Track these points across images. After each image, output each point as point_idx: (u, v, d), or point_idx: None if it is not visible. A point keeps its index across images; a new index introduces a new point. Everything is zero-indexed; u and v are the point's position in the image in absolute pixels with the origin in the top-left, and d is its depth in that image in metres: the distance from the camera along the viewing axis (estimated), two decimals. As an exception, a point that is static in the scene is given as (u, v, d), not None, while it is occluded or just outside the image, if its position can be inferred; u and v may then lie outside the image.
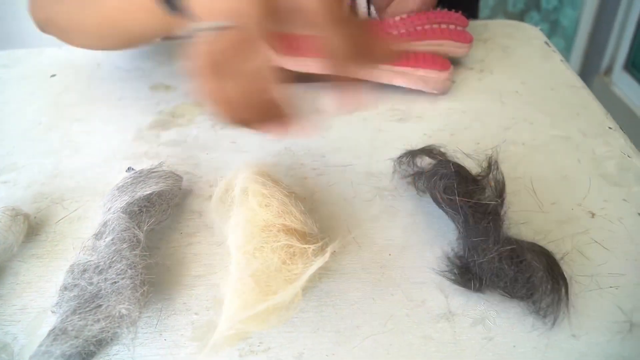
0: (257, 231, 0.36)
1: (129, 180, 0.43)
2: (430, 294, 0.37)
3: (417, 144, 0.47)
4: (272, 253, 0.34)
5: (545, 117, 0.52)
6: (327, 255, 0.32)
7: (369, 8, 0.72)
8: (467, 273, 0.36)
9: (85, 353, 0.33)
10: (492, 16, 1.79)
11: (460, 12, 0.60)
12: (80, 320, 0.34)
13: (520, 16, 1.80)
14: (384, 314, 0.35)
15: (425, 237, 0.41)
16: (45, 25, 0.56)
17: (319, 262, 0.32)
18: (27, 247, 0.42)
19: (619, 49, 1.70)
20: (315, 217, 0.40)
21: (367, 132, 0.52)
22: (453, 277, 0.36)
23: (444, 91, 0.56)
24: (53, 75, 0.65)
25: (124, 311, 0.33)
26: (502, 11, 1.78)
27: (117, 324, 0.33)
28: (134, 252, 0.36)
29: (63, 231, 0.43)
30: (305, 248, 0.35)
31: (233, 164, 0.49)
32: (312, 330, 0.35)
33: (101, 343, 0.34)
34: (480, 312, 0.35)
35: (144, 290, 0.34)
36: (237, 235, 0.37)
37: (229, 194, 0.42)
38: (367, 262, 0.39)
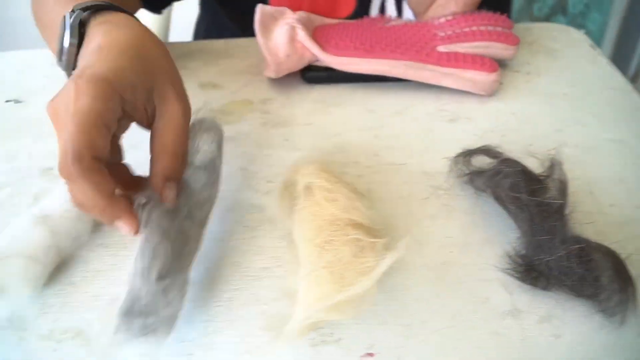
0: (325, 225, 0.37)
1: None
2: (494, 291, 0.37)
3: (469, 144, 0.47)
4: (342, 246, 0.35)
5: (596, 120, 0.53)
6: (403, 248, 0.33)
7: (399, 12, 0.73)
8: (532, 271, 0.37)
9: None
10: (517, 20, 1.79)
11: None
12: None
13: (546, 20, 1.79)
14: (450, 309, 0.36)
15: (485, 235, 0.41)
16: None
17: (394, 255, 0.33)
18: (94, 237, 0.43)
19: (646, 55, 1.69)
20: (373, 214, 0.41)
21: (418, 131, 0.53)
22: (517, 275, 0.37)
23: (491, 93, 0.56)
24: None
25: None
26: (527, 15, 1.77)
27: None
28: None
29: (127, 223, 0.44)
30: (374, 242, 0.35)
31: (287, 161, 0.50)
32: (380, 323, 0.35)
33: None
34: (546, 310, 0.36)
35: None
36: (305, 229, 0.38)
37: (290, 190, 0.43)
38: (429, 259, 0.40)
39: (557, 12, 1.78)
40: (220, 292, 0.38)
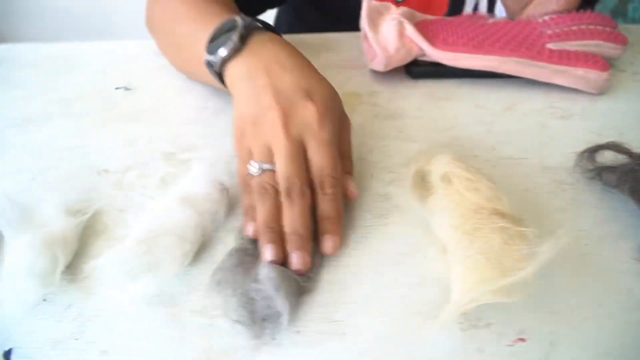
0: (469, 213, 0.38)
1: None
2: (636, 283, 0.38)
3: (587, 141, 0.48)
4: (491, 234, 0.36)
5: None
6: (565, 238, 0.34)
7: (490, 11, 0.73)
8: None
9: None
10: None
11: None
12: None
13: None
14: (594, 299, 0.37)
15: (617, 229, 0.42)
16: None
17: (558, 243, 0.33)
18: (228, 219, 0.45)
19: None
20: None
21: (531, 127, 0.53)
22: None
23: (603, 91, 0.57)
24: (206, 63, 0.68)
25: None
26: (621, 16, 1.74)
27: None
28: None
29: (257, 207, 0.46)
30: (524, 231, 0.36)
31: (404, 151, 0.51)
32: (528, 310, 0.36)
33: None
34: (693, 303, 0.36)
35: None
36: (449, 217, 0.39)
37: (423, 179, 0.44)
38: (565, 249, 0.40)
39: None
40: (363, 276, 0.39)
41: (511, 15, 0.69)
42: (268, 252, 0.39)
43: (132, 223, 0.44)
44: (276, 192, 0.41)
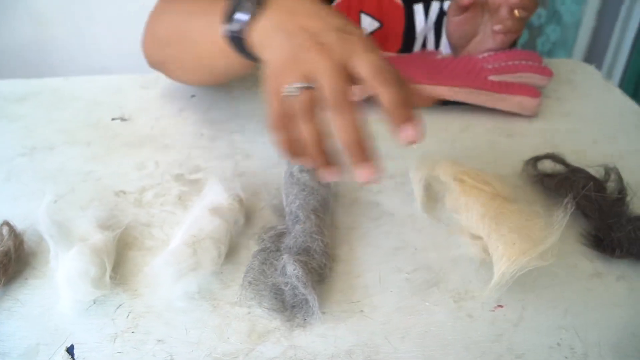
0: (489, 202, 0.48)
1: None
2: (580, 260, 0.49)
3: (528, 155, 0.60)
4: (513, 214, 0.46)
5: (623, 135, 0.66)
6: (571, 209, 0.44)
7: (436, 46, 0.86)
8: (608, 245, 0.48)
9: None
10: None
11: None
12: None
13: (549, 54, 1.98)
14: (551, 272, 0.47)
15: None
16: (156, 64, 0.71)
17: (566, 213, 0.44)
18: (246, 226, 0.52)
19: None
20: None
21: (484, 144, 0.64)
22: (598, 249, 0.49)
23: (536, 114, 0.69)
24: (193, 96, 0.75)
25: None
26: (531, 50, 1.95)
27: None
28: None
29: (266, 216, 0.54)
30: (536, 209, 0.46)
31: (386, 167, 0.60)
32: (522, 290, 0.45)
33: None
34: (621, 272, 0.47)
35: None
36: (473, 208, 0.48)
37: (432, 184, 0.54)
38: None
39: (559, 47, 1.97)
40: (369, 265, 0.48)
41: (454, 51, 0.81)
42: (327, 175, 0.42)
43: (159, 235, 0.51)
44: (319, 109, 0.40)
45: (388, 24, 0.82)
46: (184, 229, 0.47)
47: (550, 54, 1.98)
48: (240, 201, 0.52)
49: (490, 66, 0.72)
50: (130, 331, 0.42)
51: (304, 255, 0.46)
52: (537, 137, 0.66)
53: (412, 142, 0.41)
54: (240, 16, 0.48)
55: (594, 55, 1.93)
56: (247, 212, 0.54)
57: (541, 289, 0.46)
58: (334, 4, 0.82)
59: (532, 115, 0.70)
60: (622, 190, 0.52)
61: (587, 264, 0.48)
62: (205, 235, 0.46)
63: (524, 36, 1.91)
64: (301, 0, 0.46)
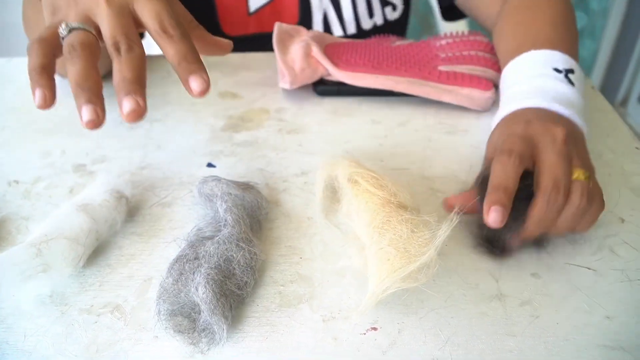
0: (379, 209, 0.42)
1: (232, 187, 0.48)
2: (483, 278, 0.42)
3: (465, 153, 0.53)
4: (399, 225, 0.40)
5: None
6: (455, 219, 0.38)
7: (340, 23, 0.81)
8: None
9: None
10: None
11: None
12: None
13: None
14: (444, 292, 0.41)
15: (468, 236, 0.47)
16: None
17: (449, 226, 0.38)
18: (126, 226, 0.48)
19: (635, 81, 1.77)
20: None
21: (419, 141, 0.58)
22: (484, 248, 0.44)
23: (487, 108, 0.62)
24: (129, 80, 0.72)
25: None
26: None
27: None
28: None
29: (156, 214, 0.49)
30: (426, 219, 0.40)
31: (301, 163, 0.55)
32: (382, 302, 0.40)
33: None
34: (527, 295, 0.41)
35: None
36: (362, 215, 0.43)
37: (331, 183, 0.49)
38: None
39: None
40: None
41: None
42: (84, 114, 0.37)
43: (33, 230, 0.47)
44: (90, 52, 0.39)
45: None
46: (41, 226, 0.44)
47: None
48: (121, 198, 0.48)
49: (443, 55, 0.65)
50: (-32, 333, 0.39)
51: (224, 270, 0.41)
52: (480, 135, 0.59)
53: (202, 93, 0.40)
54: None
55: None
56: (133, 209, 0.50)
57: (427, 311, 0.40)
58: None
59: (483, 110, 0.62)
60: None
61: (491, 283, 0.42)
62: (59, 235, 0.42)
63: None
64: None
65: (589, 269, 0.43)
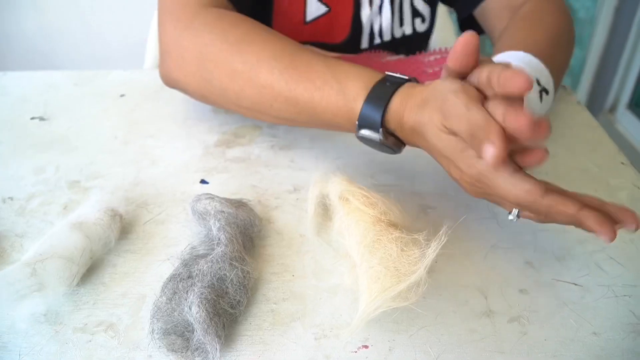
0: (370, 227, 0.43)
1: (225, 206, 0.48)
2: (472, 295, 0.43)
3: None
4: (389, 243, 0.41)
5: (565, 152, 0.59)
6: (444, 238, 0.39)
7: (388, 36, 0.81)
8: None
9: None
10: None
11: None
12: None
13: None
14: (434, 310, 0.42)
15: (466, 247, 0.48)
16: (189, 93, 0.60)
17: (438, 244, 0.38)
18: (120, 243, 0.49)
19: (624, 88, 1.79)
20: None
21: (409, 158, 0.59)
22: None
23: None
24: (122, 95, 0.72)
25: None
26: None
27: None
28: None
29: (150, 231, 0.50)
30: (416, 238, 0.41)
31: (292, 179, 0.56)
32: (373, 320, 0.41)
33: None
34: (516, 311, 0.42)
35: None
36: (353, 233, 0.44)
37: (323, 201, 0.49)
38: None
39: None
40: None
41: None
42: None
43: (29, 247, 0.48)
44: None
45: (336, 8, 0.76)
46: (36, 245, 0.44)
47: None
48: (115, 216, 0.48)
49: (430, 70, 0.66)
50: (-37, 353, 0.39)
51: (217, 289, 0.41)
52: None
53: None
54: (369, 133, 0.49)
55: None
56: (127, 226, 0.50)
57: (417, 329, 0.41)
58: None
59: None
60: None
61: (480, 300, 0.43)
62: (54, 254, 0.43)
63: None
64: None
65: (575, 284, 0.44)
